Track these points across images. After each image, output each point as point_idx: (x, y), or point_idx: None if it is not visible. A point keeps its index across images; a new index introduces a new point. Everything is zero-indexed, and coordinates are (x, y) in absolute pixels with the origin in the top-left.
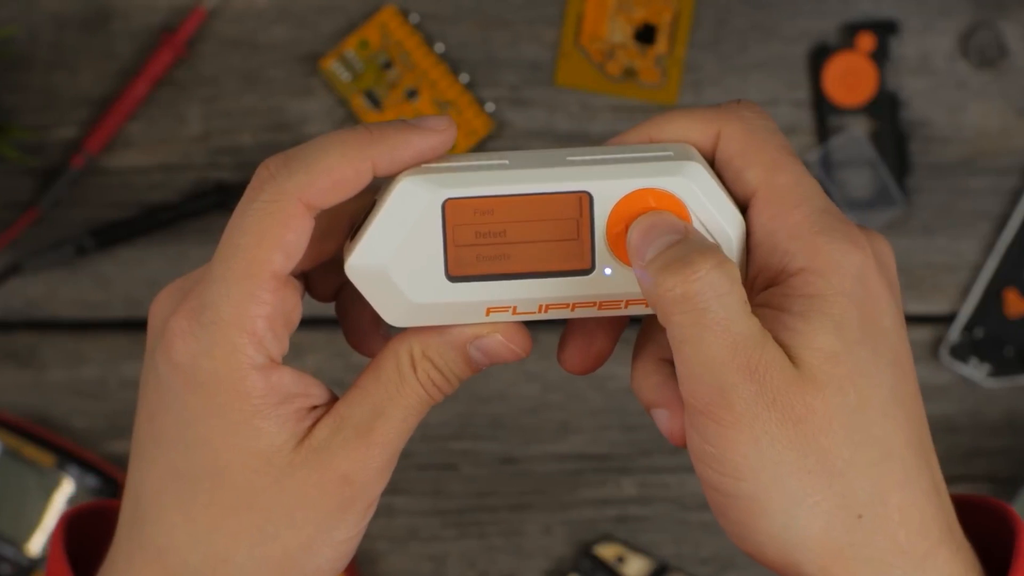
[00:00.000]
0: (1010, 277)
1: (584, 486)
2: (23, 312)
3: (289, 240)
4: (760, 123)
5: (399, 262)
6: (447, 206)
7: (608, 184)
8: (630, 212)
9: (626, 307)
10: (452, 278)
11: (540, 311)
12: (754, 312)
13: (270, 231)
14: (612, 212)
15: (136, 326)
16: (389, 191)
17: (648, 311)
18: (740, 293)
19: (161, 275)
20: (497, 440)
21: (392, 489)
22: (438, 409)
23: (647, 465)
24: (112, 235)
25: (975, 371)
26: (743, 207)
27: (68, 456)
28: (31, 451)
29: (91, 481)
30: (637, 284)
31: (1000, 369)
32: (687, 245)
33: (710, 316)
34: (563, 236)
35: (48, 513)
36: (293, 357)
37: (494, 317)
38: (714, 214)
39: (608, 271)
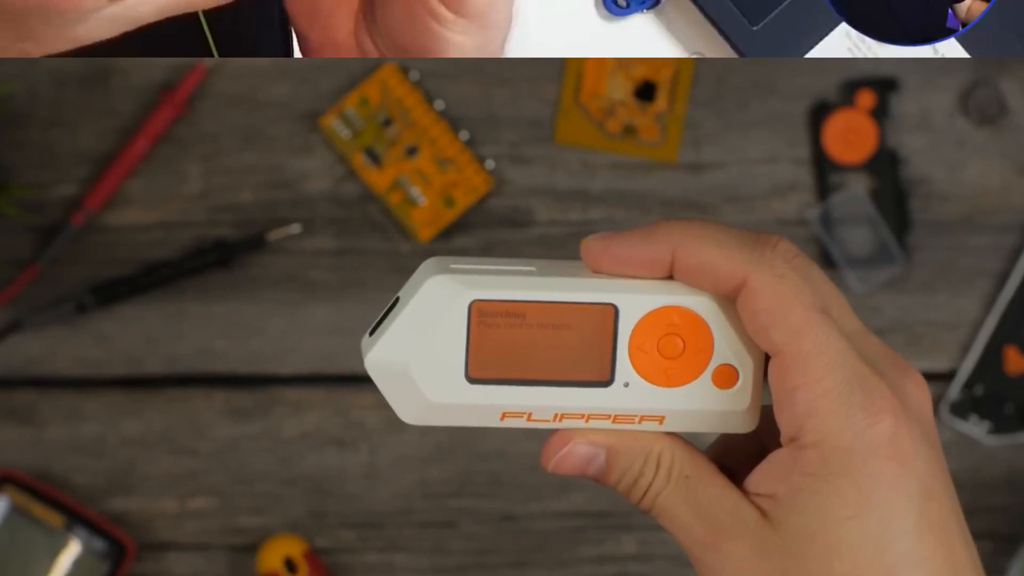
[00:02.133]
0: (1010, 334)
1: (584, 543)
2: (23, 369)
3: None
4: (791, 274)
5: (420, 360)
6: (474, 307)
7: (635, 298)
8: (654, 328)
9: (640, 422)
10: (472, 380)
11: (554, 419)
12: (764, 474)
13: None
14: (636, 327)
15: (135, 384)
16: (416, 288)
17: (661, 428)
18: (689, 481)
19: (161, 333)
20: (497, 497)
21: (391, 547)
22: (438, 466)
23: (647, 522)
24: (112, 292)
25: (975, 428)
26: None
27: (77, 517)
28: (40, 510)
29: (98, 544)
30: (653, 401)
31: (1000, 427)
32: (621, 470)
33: (679, 519)
34: (585, 347)
35: (52, 574)
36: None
37: (508, 423)
38: (736, 340)
39: (626, 385)
